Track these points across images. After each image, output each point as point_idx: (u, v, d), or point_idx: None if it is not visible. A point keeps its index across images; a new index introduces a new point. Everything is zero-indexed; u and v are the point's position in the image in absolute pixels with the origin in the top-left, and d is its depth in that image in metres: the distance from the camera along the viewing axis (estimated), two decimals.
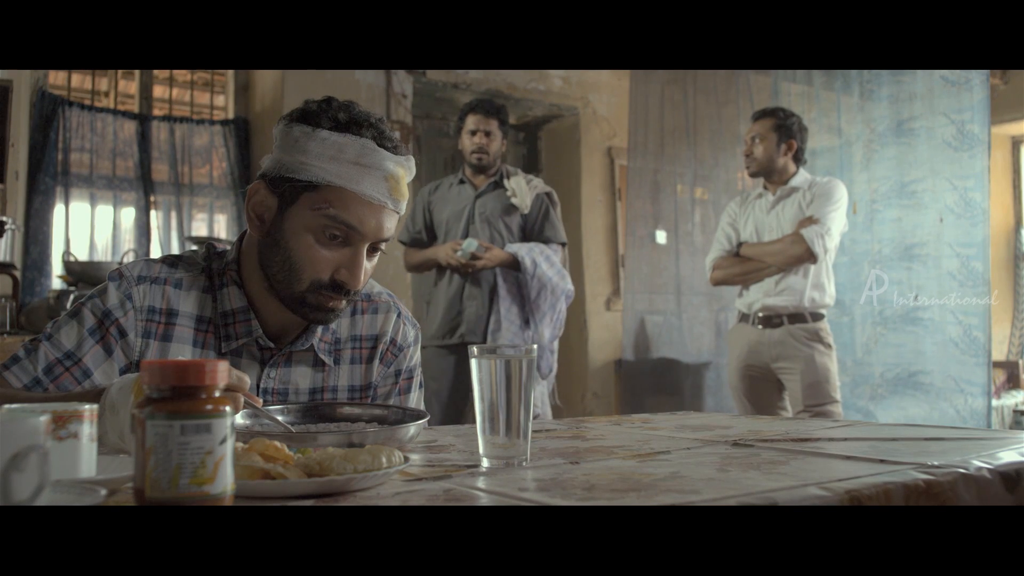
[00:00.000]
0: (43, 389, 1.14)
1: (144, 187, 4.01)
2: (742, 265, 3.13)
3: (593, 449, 1.09)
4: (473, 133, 3.19)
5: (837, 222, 3.00)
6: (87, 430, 0.82)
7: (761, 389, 3.13)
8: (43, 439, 0.69)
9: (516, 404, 0.95)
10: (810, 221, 2.97)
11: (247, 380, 0.99)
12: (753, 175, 3.20)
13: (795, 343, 3.00)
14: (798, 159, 3.13)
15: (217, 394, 0.69)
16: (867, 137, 3.96)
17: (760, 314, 3.07)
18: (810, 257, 2.94)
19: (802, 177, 3.11)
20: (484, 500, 0.79)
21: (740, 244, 3.16)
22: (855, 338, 3.94)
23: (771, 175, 3.13)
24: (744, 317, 3.17)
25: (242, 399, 0.97)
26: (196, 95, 4.44)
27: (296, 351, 1.28)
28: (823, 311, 3.05)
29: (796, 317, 3.02)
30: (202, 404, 0.67)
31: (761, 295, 3.07)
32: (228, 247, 1.31)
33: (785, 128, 3.10)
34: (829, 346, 3.02)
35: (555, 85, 4.92)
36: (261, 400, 1.11)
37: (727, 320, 4.55)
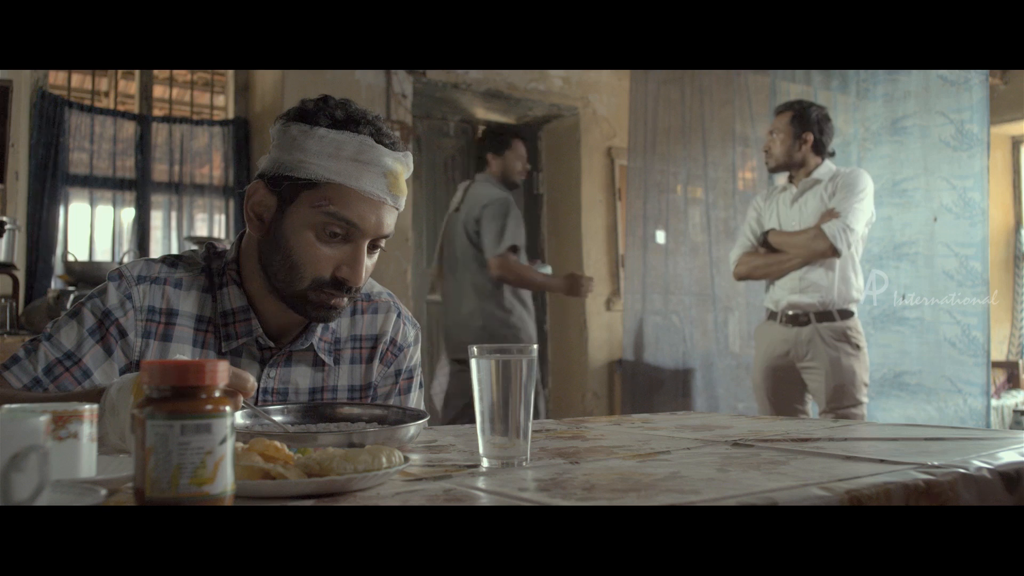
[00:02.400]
0: (43, 389, 1.14)
1: (144, 187, 4.01)
2: (764, 258, 3.08)
3: (593, 449, 1.09)
4: (525, 159, 3.63)
5: (861, 214, 2.94)
6: (87, 430, 0.82)
7: (785, 389, 3.08)
8: (43, 439, 0.69)
9: (516, 404, 0.95)
10: (831, 215, 2.91)
11: (245, 379, 0.98)
12: (772, 170, 3.16)
13: (821, 343, 2.94)
14: (820, 151, 3.06)
15: (217, 394, 0.69)
16: (862, 136, 3.97)
17: (788, 312, 3.01)
18: (833, 253, 2.89)
19: (825, 169, 3.05)
20: (484, 500, 0.79)
21: (766, 233, 3.11)
22: None
23: (791, 169, 3.08)
24: (772, 315, 3.11)
25: (240, 398, 0.97)
26: (196, 95, 4.44)
27: (296, 351, 1.28)
28: (852, 307, 2.99)
29: (824, 315, 2.96)
30: (202, 404, 0.67)
31: (786, 292, 3.02)
32: (228, 247, 1.32)
33: (802, 120, 3.04)
34: (857, 347, 2.95)
35: (555, 85, 4.91)
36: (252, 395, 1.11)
37: (727, 320, 4.55)
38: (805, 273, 2.98)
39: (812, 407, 3.13)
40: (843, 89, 4.05)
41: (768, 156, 3.12)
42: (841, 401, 2.92)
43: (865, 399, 2.98)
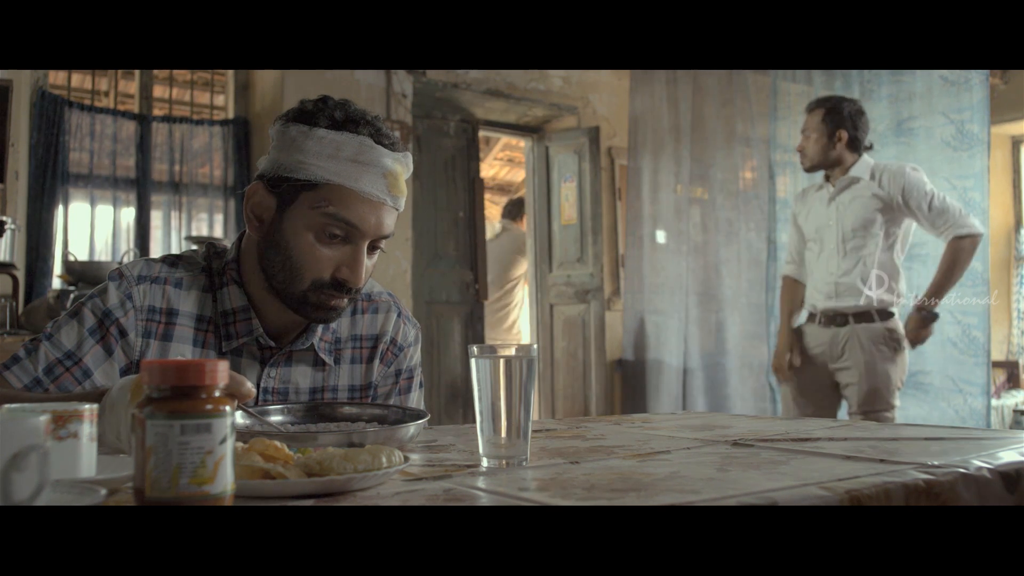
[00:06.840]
0: (43, 389, 1.14)
1: (144, 187, 4.01)
2: (791, 291, 3.16)
3: (593, 449, 1.09)
4: None
5: (945, 199, 2.87)
6: (87, 430, 0.82)
7: (811, 390, 3.03)
8: (43, 439, 0.69)
9: (516, 404, 0.95)
10: (947, 226, 2.85)
11: (240, 382, 0.97)
12: (808, 171, 3.07)
13: (857, 345, 2.88)
14: (855, 147, 2.97)
15: (217, 394, 0.69)
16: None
17: (828, 314, 2.96)
18: (976, 239, 2.85)
19: (864, 165, 2.95)
20: (484, 500, 0.79)
21: (923, 304, 2.98)
22: None
23: (827, 168, 3.01)
24: (811, 317, 3.07)
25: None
26: (196, 95, 4.44)
27: (296, 350, 1.28)
28: (892, 309, 2.91)
29: (862, 316, 2.89)
30: (202, 404, 0.67)
31: (822, 297, 2.96)
32: (228, 246, 1.31)
33: (834, 117, 2.95)
34: (895, 350, 2.88)
35: (555, 85, 4.91)
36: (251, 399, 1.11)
37: (726, 320, 4.55)
38: (839, 277, 2.91)
39: (840, 411, 3.08)
40: (846, 90, 4.04)
41: (803, 157, 3.03)
42: (873, 404, 2.86)
43: (897, 403, 2.91)
